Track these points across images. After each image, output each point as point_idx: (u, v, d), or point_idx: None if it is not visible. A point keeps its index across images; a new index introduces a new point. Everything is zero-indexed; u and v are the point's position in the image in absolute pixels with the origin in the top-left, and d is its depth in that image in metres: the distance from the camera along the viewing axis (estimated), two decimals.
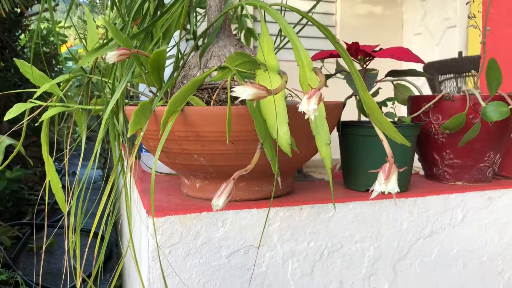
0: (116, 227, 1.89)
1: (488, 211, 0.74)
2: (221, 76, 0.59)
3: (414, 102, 0.80)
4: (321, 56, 0.75)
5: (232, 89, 0.41)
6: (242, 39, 2.08)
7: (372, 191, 0.43)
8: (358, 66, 0.75)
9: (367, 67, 0.73)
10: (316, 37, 2.12)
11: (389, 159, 0.43)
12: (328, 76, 0.75)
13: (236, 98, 0.64)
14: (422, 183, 0.79)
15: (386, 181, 0.39)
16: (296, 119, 0.54)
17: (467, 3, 0.71)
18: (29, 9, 3.73)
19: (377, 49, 0.76)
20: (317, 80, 0.50)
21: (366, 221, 0.68)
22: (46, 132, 0.77)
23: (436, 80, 2.63)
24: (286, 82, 0.49)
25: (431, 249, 0.72)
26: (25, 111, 0.75)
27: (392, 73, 0.76)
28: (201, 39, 0.73)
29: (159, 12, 0.68)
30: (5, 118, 0.77)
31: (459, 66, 2.44)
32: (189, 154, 0.60)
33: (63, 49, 3.45)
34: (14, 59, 0.79)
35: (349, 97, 0.75)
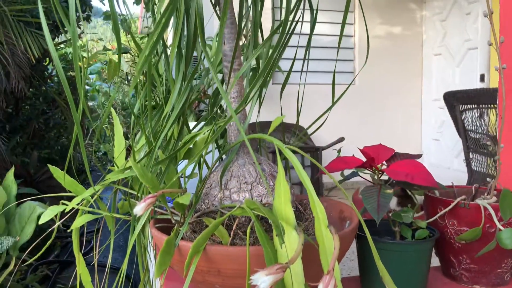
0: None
1: None
2: (240, 213, 0.63)
3: (430, 203, 0.82)
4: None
5: (251, 278, 0.44)
6: None
7: None
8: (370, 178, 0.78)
9: (381, 181, 0.75)
10: None
11: None
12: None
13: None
14: (440, 283, 0.80)
15: None
16: (310, 256, 0.57)
17: (484, 16, 0.70)
18: (56, 38, 3.85)
19: (392, 154, 0.78)
20: (331, 241, 0.52)
21: None
22: (77, 235, 0.82)
23: (457, 110, 2.61)
24: (302, 245, 0.52)
25: None
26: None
27: (405, 185, 0.78)
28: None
29: (183, 135, 0.72)
30: (40, 222, 0.82)
31: (480, 97, 2.43)
32: (212, 284, 0.64)
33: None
34: (48, 165, 0.83)
35: None
